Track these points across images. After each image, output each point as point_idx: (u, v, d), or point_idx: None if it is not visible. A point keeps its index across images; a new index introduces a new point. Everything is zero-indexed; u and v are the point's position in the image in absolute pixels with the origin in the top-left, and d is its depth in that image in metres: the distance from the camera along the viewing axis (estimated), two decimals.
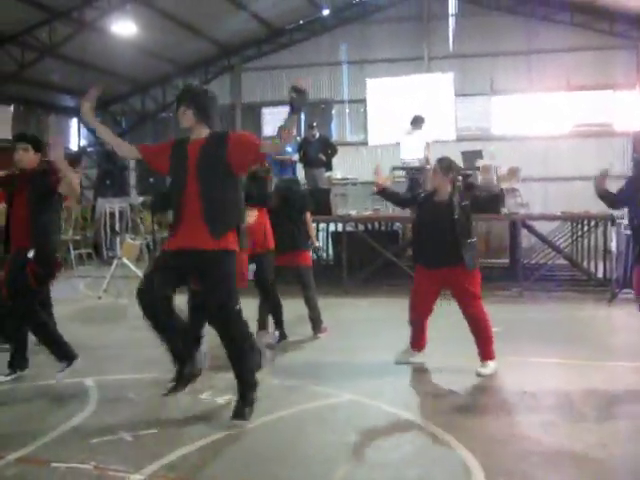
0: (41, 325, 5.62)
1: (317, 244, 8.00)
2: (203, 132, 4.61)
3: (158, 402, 5.13)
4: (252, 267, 6.51)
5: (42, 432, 4.39)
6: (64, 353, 5.64)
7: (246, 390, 4.60)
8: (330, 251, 14.19)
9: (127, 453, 4.10)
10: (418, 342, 6.20)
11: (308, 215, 7.69)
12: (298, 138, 14.83)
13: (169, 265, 4.52)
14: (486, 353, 5.87)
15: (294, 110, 4.50)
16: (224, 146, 4.50)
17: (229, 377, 4.74)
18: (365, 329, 8.07)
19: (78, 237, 16.91)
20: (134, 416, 4.81)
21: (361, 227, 12.26)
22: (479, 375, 5.72)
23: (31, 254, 5.39)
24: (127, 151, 5.04)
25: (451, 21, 19.17)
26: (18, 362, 5.72)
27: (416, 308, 6.06)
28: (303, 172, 13.20)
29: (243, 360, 4.59)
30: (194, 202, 4.44)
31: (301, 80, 4.57)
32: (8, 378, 5.62)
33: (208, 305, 4.58)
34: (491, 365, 5.84)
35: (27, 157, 5.67)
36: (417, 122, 12.18)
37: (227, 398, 5.12)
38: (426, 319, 6.12)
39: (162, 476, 3.73)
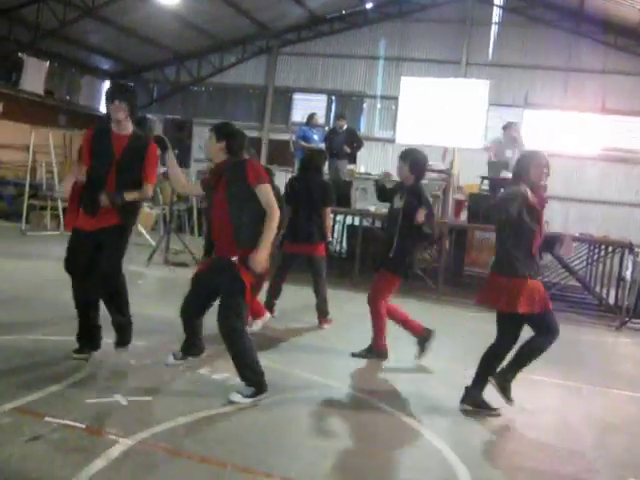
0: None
1: (330, 239, 7.97)
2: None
3: (157, 371, 5.18)
4: None
5: (39, 386, 4.42)
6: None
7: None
8: (344, 244, 14.19)
9: (120, 417, 4.13)
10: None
11: (328, 210, 7.68)
12: (326, 128, 14.81)
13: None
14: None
15: None
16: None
17: (229, 357, 4.75)
18: (369, 325, 8.04)
19: None
20: (131, 382, 4.86)
21: (378, 223, 12.23)
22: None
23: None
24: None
25: (493, 29, 19.05)
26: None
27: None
28: (327, 162, 13.17)
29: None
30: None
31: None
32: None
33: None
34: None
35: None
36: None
37: (224, 376, 5.14)
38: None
39: (151, 444, 3.74)
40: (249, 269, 4.55)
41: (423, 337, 6.38)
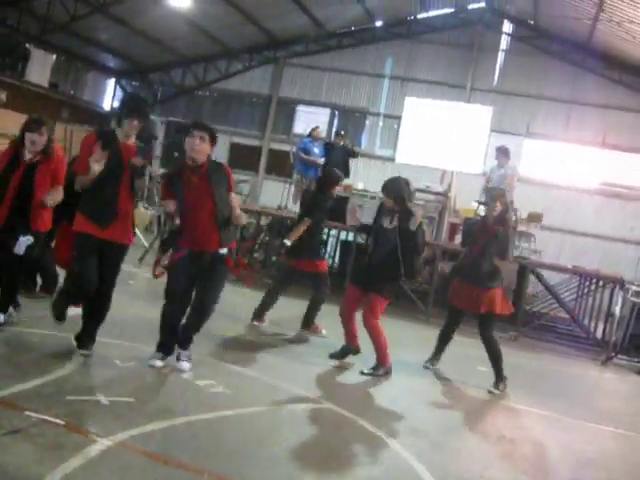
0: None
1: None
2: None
3: (140, 372, 5.16)
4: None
5: (22, 379, 4.39)
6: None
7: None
8: (337, 259, 14.19)
9: (100, 416, 4.11)
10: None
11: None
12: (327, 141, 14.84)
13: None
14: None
15: None
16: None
17: (214, 363, 4.74)
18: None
19: None
20: (114, 382, 4.82)
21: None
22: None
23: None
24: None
25: (500, 56, 19.17)
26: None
27: None
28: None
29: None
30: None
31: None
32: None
33: None
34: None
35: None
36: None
37: (207, 382, 5.13)
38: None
39: (129, 446, 3.72)
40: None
41: (350, 348, 6.62)
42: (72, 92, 20.06)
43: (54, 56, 18.61)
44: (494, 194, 7.24)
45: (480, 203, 12.08)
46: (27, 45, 17.51)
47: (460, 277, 6.93)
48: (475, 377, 7.29)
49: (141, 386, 4.84)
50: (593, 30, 16.53)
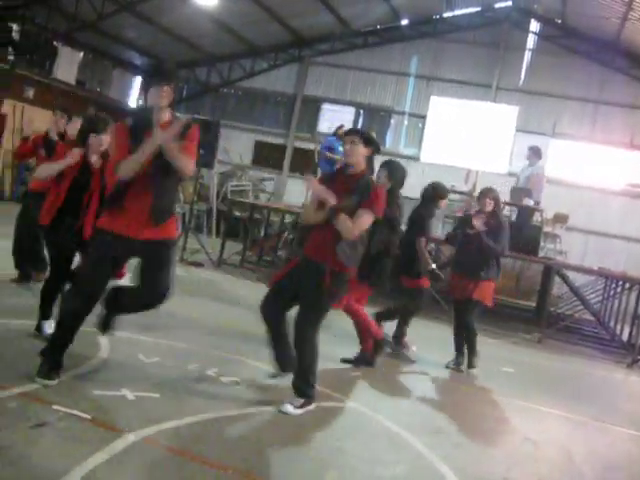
0: None
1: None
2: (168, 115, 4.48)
3: (165, 368, 5.20)
4: None
5: None
6: None
7: None
8: None
9: (126, 412, 4.14)
10: None
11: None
12: None
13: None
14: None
15: None
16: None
17: (239, 361, 4.76)
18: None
19: None
20: (139, 377, 4.85)
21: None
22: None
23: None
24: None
25: (526, 55, 19.01)
26: None
27: None
28: None
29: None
30: (146, 188, 4.31)
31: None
32: None
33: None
34: None
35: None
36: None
37: (232, 379, 5.16)
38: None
39: (155, 442, 3.75)
40: (336, 281, 4.70)
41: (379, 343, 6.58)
42: (98, 89, 20.21)
43: (81, 54, 18.76)
44: (483, 190, 7.33)
45: (506, 204, 12.01)
46: (55, 43, 17.67)
47: (458, 271, 7.22)
48: (499, 378, 7.27)
49: (166, 382, 4.87)
50: (621, 29, 16.33)
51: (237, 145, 20.31)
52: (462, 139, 13.54)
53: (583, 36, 17.89)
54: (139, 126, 4.36)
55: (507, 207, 12.02)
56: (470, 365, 7.11)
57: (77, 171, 5.19)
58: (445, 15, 19.43)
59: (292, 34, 19.85)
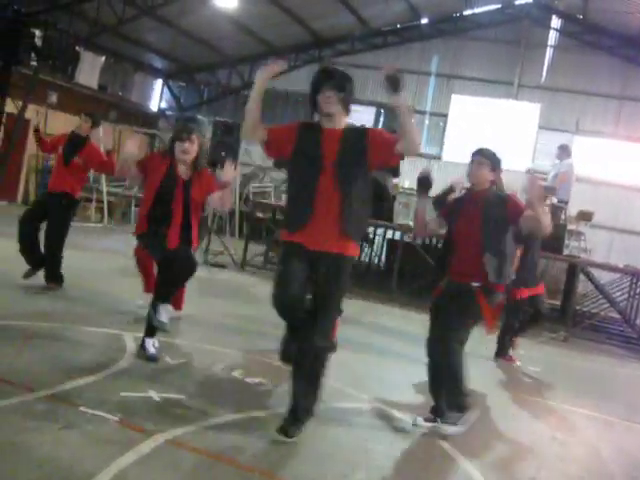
0: None
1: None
2: (343, 122, 4.31)
3: (191, 370, 5.22)
4: None
5: (75, 375, 4.48)
6: None
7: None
8: (383, 257, 14.18)
9: (152, 413, 4.15)
10: None
11: None
12: None
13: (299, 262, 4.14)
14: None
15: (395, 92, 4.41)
16: (363, 142, 4.21)
17: (263, 362, 4.76)
18: (405, 338, 8.01)
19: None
20: (165, 379, 4.87)
21: (419, 240, 12.16)
22: None
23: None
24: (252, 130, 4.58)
25: (548, 52, 18.86)
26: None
27: None
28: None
29: None
30: (330, 198, 4.11)
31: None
32: None
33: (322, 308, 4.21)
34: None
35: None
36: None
37: (257, 380, 5.16)
38: None
39: (182, 443, 3.76)
40: (490, 299, 4.67)
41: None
42: (120, 93, 20.35)
43: (103, 58, 18.90)
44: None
45: None
46: (77, 48, 17.81)
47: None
48: (525, 377, 7.22)
49: (192, 383, 4.89)
50: None
51: (259, 147, 20.29)
52: (484, 137, 13.51)
53: (605, 32, 17.69)
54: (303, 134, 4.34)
55: None
56: None
57: (161, 180, 5.20)
58: (465, 13, 19.30)
59: (312, 35, 19.86)
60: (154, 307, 5.18)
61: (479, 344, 7.17)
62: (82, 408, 3.94)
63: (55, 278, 7.18)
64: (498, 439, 4.98)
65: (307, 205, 4.12)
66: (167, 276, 5.18)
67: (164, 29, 18.09)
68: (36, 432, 3.56)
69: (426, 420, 4.71)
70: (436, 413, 4.75)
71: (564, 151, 11.92)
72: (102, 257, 10.53)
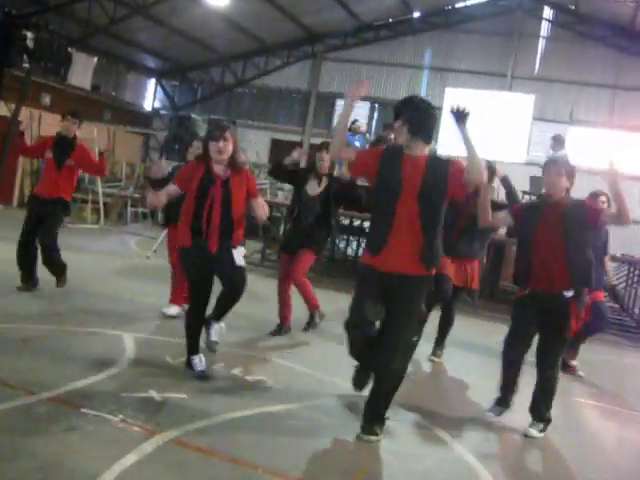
0: None
1: None
2: (423, 150, 4.45)
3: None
4: None
5: (76, 377, 4.49)
6: None
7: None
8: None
9: (154, 413, 4.15)
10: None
11: None
12: (367, 135, 14.76)
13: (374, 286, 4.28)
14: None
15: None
16: (446, 172, 4.36)
17: (263, 360, 4.76)
18: None
19: (137, 195, 17.24)
20: (166, 378, 4.87)
21: None
22: None
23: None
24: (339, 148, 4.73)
25: (541, 43, 18.86)
26: None
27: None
28: None
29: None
30: (411, 222, 4.23)
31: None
32: None
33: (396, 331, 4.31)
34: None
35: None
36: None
37: (258, 378, 5.17)
38: None
39: (184, 442, 3.76)
40: (579, 307, 4.84)
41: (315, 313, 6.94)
42: (113, 94, 20.32)
43: (95, 59, 18.86)
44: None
45: (525, 193, 11.95)
46: (69, 49, 17.77)
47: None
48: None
49: (193, 382, 4.88)
50: (637, 13, 16.16)
51: (252, 144, 20.35)
52: (479, 129, 13.44)
53: (598, 21, 17.70)
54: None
55: (526, 196, 11.95)
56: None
57: (198, 185, 4.97)
58: (457, 5, 19.32)
59: (304, 30, 19.84)
60: (207, 325, 5.12)
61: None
62: (84, 409, 3.94)
63: (61, 271, 7.20)
64: (505, 431, 4.99)
65: (386, 228, 4.26)
66: (227, 298, 5.07)
67: (156, 28, 18.06)
68: (38, 434, 3.56)
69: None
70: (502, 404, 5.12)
71: (558, 142, 11.91)
72: (100, 258, 10.51)
